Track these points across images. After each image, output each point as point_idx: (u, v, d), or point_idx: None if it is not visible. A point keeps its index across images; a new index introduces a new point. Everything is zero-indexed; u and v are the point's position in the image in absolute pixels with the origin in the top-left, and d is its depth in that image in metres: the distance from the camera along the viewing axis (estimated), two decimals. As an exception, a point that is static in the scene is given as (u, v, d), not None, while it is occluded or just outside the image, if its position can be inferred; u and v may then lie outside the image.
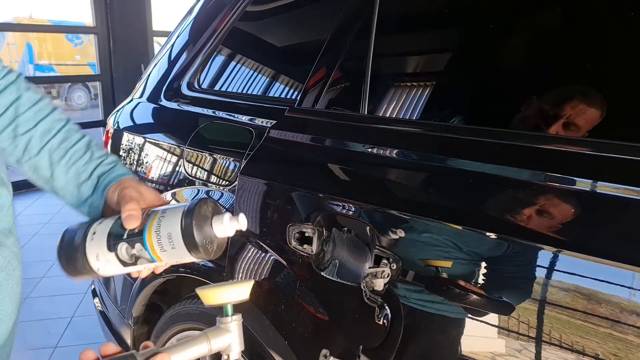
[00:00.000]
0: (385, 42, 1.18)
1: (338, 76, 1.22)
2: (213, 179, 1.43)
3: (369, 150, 1.09)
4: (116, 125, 1.91)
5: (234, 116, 1.48)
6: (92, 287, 2.23)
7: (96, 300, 2.16)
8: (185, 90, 1.72)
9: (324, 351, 0.88)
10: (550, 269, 0.77)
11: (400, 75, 1.21)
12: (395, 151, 1.04)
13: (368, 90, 1.14)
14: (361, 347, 0.83)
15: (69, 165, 0.85)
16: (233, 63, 1.73)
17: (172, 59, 1.86)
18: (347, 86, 1.25)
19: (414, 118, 1.10)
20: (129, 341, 1.80)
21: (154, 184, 1.66)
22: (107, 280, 1.98)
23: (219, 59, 1.72)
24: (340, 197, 1.04)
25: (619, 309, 0.71)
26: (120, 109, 1.98)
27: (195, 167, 1.50)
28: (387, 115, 1.15)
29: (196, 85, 1.71)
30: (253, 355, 1.21)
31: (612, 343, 0.71)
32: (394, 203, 0.97)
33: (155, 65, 1.95)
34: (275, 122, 1.30)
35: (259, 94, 1.57)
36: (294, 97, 1.37)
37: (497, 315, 0.83)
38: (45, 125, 0.86)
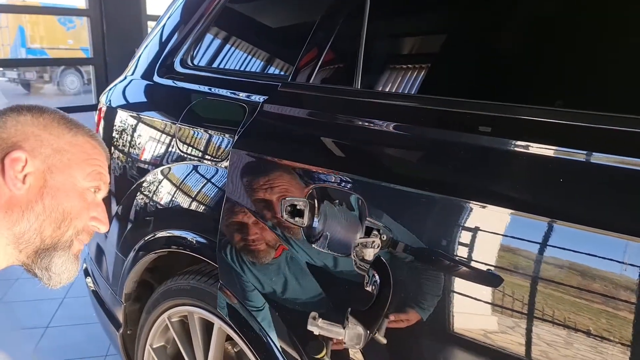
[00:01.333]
0: (379, 17, 1.18)
1: (332, 50, 1.22)
2: (206, 154, 1.43)
3: (361, 123, 1.09)
4: (109, 102, 1.90)
5: (226, 92, 1.47)
6: (85, 266, 2.22)
7: (88, 279, 2.16)
8: (178, 67, 1.71)
9: (313, 314, 0.89)
10: (544, 241, 0.78)
11: (394, 49, 1.21)
12: (386, 124, 1.04)
13: (361, 65, 1.14)
14: (349, 309, 0.84)
15: None
16: (225, 41, 1.72)
17: (164, 37, 1.85)
18: (340, 61, 1.24)
19: (406, 92, 1.10)
20: (120, 319, 1.81)
21: (148, 161, 1.66)
22: (99, 260, 1.98)
23: (212, 37, 1.71)
24: (332, 170, 1.05)
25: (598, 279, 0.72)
26: (112, 87, 1.97)
27: (188, 143, 1.50)
28: (380, 89, 1.15)
29: (189, 62, 1.70)
30: (241, 321, 1.22)
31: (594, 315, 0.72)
32: (385, 175, 0.98)
33: (147, 43, 1.94)
34: (268, 97, 1.30)
35: (251, 70, 1.57)
36: (287, 73, 1.37)
37: (483, 285, 0.83)
38: None
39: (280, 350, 1.15)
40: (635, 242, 0.69)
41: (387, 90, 1.15)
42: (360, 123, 1.10)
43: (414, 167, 1.01)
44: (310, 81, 1.24)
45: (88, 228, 0.91)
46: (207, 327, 1.45)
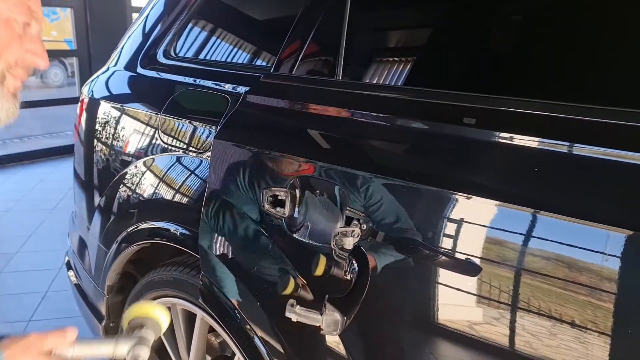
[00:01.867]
0: (361, 8, 1.18)
1: (314, 42, 1.22)
2: (188, 146, 1.43)
3: (343, 114, 1.09)
4: (91, 94, 1.88)
5: (209, 83, 1.47)
6: (67, 259, 2.21)
7: (71, 272, 2.14)
8: (161, 58, 1.70)
9: (291, 301, 0.90)
10: (521, 230, 0.79)
11: (376, 41, 1.21)
12: (368, 115, 1.05)
13: (343, 56, 1.14)
14: (327, 296, 0.85)
15: None
16: (208, 31, 1.72)
17: (147, 27, 1.83)
18: (323, 52, 1.25)
19: (387, 83, 1.10)
20: (103, 311, 1.80)
21: (130, 152, 1.65)
22: (81, 252, 1.97)
23: (195, 28, 1.70)
24: (313, 160, 1.05)
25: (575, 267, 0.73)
26: (95, 78, 1.95)
27: (170, 135, 1.49)
28: (362, 80, 1.15)
29: (172, 54, 1.69)
30: (223, 312, 1.22)
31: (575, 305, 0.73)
32: (365, 165, 0.98)
33: (130, 34, 1.92)
34: (250, 87, 1.30)
35: (234, 61, 1.56)
36: (269, 64, 1.37)
37: (462, 275, 0.85)
38: None
39: (262, 340, 1.16)
40: (616, 232, 0.70)
41: (368, 81, 1.15)
42: (342, 114, 1.10)
43: (396, 158, 1.01)
44: (293, 72, 1.24)
45: (24, 62, 0.82)
46: (190, 318, 1.45)
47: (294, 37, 1.26)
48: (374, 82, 1.13)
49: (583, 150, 0.79)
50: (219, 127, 1.28)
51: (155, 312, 0.85)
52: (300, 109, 1.20)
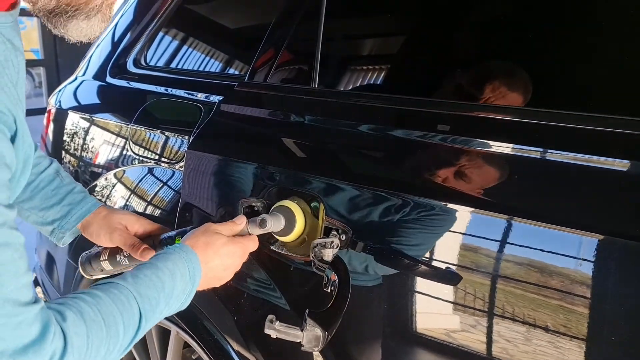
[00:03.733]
0: (336, 16, 1.17)
1: (289, 49, 1.21)
2: (160, 156, 1.39)
3: (318, 123, 1.08)
4: (58, 104, 1.83)
5: (180, 92, 1.44)
6: (34, 275, 2.13)
7: (38, 289, 2.07)
8: (131, 67, 1.67)
9: (270, 316, 0.88)
10: (503, 238, 0.79)
11: (352, 49, 1.21)
12: (344, 123, 1.04)
13: (319, 64, 1.13)
14: (307, 311, 0.84)
15: (38, 189, 0.95)
16: (178, 40, 1.69)
17: (117, 36, 1.79)
18: (298, 60, 1.23)
19: (363, 91, 1.10)
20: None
21: (100, 164, 1.60)
22: (49, 269, 1.90)
23: (165, 36, 1.67)
24: (290, 170, 1.03)
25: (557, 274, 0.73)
26: (62, 87, 1.90)
27: (142, 145, 1.46)
28: (338, 88, 1.14)
29: (142, 62, 1.65)
30: (197, 326, 1.19)
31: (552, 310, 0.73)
32: (342, 173, 0.97)
33: (99, 43, 1.87)
34: (224, 97, 1.28)
35: (206, 70, 1.54)
36: (241, 72, 1.35)
37: (444, 285, 0.84)
38: None
39: (238, 354, 1.13)
40: (587, 237, 0.71)
41: (344, 89, 1.14)
42: (317, 122, 1.09)
43: (373, 166, 1.01)
44: (267, 80, 1.22)
45: None
46: (164, 334, 1.41)
47: (269, 45, 1.25)
48: (350, 89, 1.12)
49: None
50: (192, 137, 1.25)
51: (294, 205, 0.93)
52: (275, 118, 1.18)
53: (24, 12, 0.80)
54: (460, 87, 0.97)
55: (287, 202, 0.93)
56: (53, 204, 0.95)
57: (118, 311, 0.69)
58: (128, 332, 0.70)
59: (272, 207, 0.95)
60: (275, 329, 0.86)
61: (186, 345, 1.34)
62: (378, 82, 1.12)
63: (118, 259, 0.98)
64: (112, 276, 0.83)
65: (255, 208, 1.05)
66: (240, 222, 0.90)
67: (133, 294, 0.72)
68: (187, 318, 1.24)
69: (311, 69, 1.14)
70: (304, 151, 1.09)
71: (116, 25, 1.83)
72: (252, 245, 0.90)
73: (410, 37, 1.13)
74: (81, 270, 1.04)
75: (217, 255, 0.84)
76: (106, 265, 1.01)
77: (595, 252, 0.70)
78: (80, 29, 0.73)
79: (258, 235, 0.92)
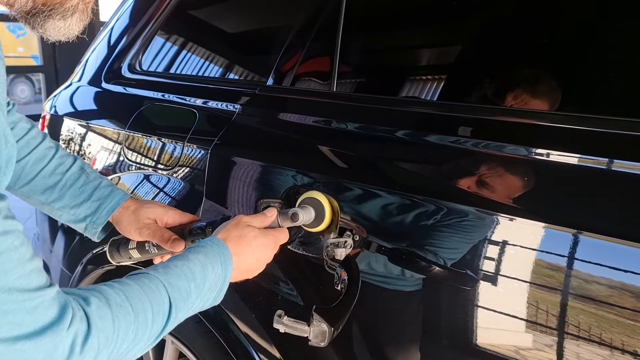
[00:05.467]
0: (354, 21, 1.17)
1: (308, 56, 1.21)
2: (156, 162, 1.37)
3: (337, 125, 1.10)
4: (53, 109, 1.81)
5: (176, 97, 1.43)
6: (41, 259, 2.11)
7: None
8: (126, 72, 1.65)
9: (279, 312, 0.89)
10: (514, 240, 0.78)
11: (371, 53, 1.22)
12: (362, 126, 1.05)
13: (337, 69, 1.14)
14: (315, 306, 0.87)
15: (65, 188, 0.96)
16: (174, 45, 1.67)
17: (112, 40, 1.78)
18: (317, 64, 1.23)
19: (383, 95, 1.12)
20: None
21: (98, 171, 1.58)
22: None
23: (161, 41, 1.66)
24: (307, 171, 1.04)
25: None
26: (57, 93, 1.88)
27: (137, 151, 1.44)
28: (356, 92, 1.17)
29: (137, 67, 1.64)
30: (213, 317, 1.18)
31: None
32: (360, 176, 0.98)
33: (94, 48, 1.86)
34: (247, 100, 1.27)
35: (202, 74, 1.52)
36: (240, 76, 1.33)
37: (455, 287, 0.84)
38: (37, 154, 0.96)
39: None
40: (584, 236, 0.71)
41: (363, 94, 1.16)
42: (337, 125, 1.11)
43: (391, 170, 1.01)
44: (289, 84, 1.23)
45: None
46: (159, 344, 1.39)
47: (290, 49, 1.24)
48: (369, 93, 1.14)
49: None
50: (216, 140, 1.24)
51: (322, 197, 0.94)
52: (296, 121, 1.18)
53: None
54: (482, 91, 0.98)
55: (315, 194, 0.94)
56: (82, 200, 0.97)
57: (147, 298, 0.69)
58: (157, 320, 0.70)
59: (300, 198, 0.96)
60: (284, 324, 0.88)
61: (181, 355, 1.33)
62: (395, 86, 1.14)
63: (147, 248, 0.98)
64: (143, 266, 0.83)
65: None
66: (272, 215, 0.92)
67: (163, 283, 0.72)
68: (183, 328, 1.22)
69: (331, 74, 1.14)
70: (322, 154, 1.10)
71: (112, 29, 1.82)
72: (283, 237, 0.91)
73: (432, 41, 1.14)
74: (109, 257, 1.03)
75: (249, 248, 0.85)
76: (134, 254, 1.01)
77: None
78: (58, 28, 0.74)
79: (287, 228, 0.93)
